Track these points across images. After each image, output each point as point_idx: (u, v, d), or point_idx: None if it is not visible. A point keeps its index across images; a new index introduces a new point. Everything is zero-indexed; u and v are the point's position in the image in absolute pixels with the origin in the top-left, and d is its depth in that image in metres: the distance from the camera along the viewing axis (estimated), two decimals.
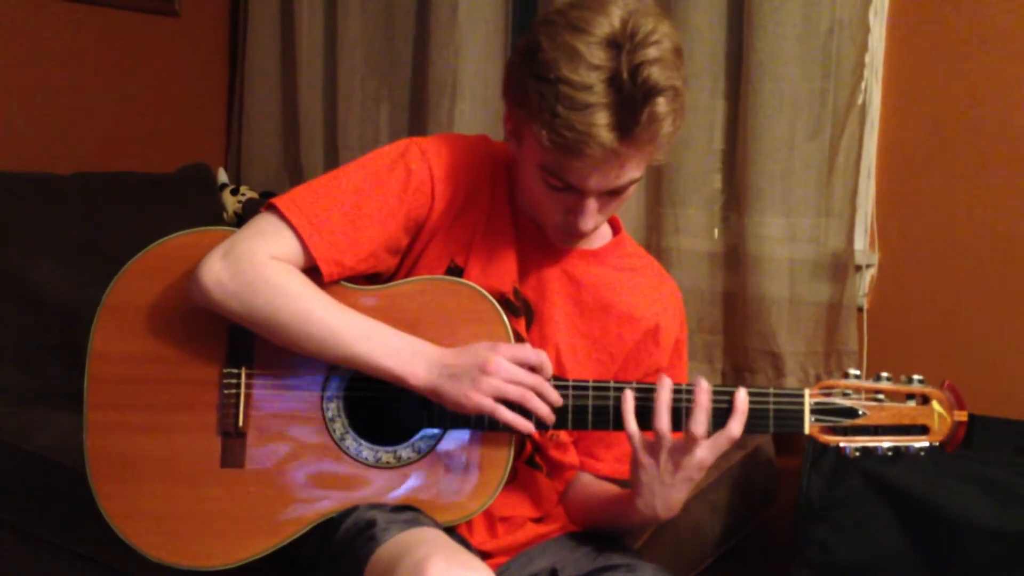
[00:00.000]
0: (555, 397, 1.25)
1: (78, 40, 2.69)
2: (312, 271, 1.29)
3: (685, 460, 1.23)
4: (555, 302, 1.39)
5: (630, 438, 1.25)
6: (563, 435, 1.42)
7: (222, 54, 3.10)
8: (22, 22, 2.56)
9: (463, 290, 1.32)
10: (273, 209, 1.30)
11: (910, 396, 1.25)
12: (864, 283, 2.16)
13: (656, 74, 1.15)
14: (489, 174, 1.38)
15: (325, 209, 1.29)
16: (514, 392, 1.22)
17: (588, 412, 1.27)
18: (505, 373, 1.22)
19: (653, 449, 1.24)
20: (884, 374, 1.26)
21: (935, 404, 1.24)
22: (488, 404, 1.22)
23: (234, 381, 1.32)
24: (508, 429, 1.27)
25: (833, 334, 2.10)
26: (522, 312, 1.38)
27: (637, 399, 1.25)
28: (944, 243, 2.08)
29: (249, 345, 1.33)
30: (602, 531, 1.46)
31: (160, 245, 1.36)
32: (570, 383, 1.28)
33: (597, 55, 1.15)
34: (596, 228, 1.30)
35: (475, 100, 2.56)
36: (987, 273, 2.04)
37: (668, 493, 1.26)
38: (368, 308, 1.30)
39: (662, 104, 1.16)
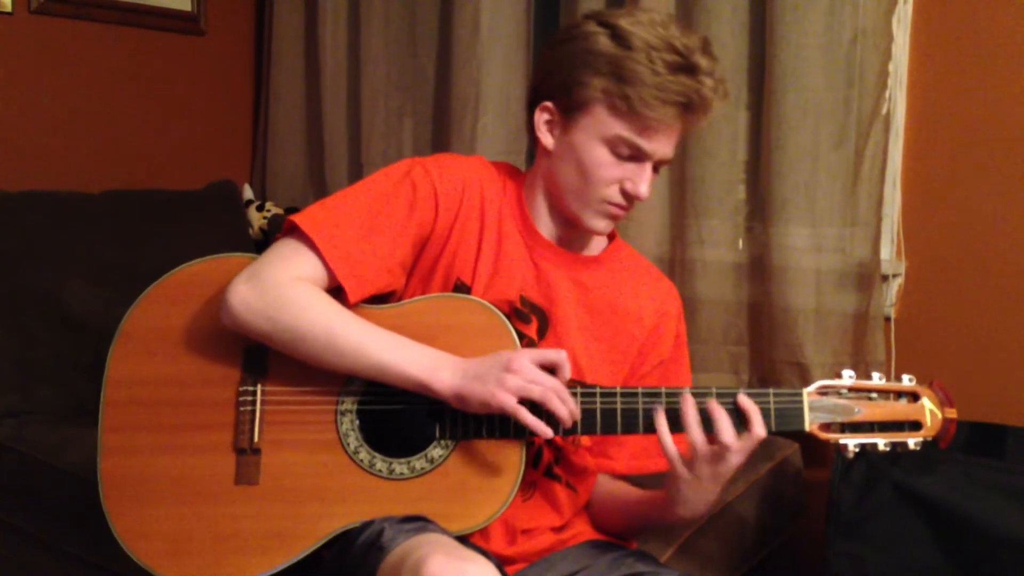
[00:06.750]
0: (571, 403, 1.27)
1: (106, 60, 2.73)
2: (334, 291, 1.33)
3: (722, 467, 1.27)
4: (566, 308, 1.42)
5: (668, 455, 1.28)
6: (583, 439, 1.44)
7: (247, 72, 3.13)
8: (50, 43, 2.60)
9: (471, 305, 1.35)
10: (294, 230, 1.34)
11: (901, 394, 1.29)
12: (891, 293, 2.15)
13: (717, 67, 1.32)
14: (493, 188, 1.43)
15: (342, 229, 1.33)
16: (536, 392, 1.24)
17: (617, 416, 1.29)
18: (528, 372, 1.25)
19: (691, 464, 1.28)
20: (876, 374, 1.31)
21: (925, 401, 1.29)
22: (511, 404, 1.24)
23: (249, 399, 1.34)
24: (520, 436, 1.29)
25: (860, 344, 2.08)
26: (532, 318, 1.40)
27: (667, 408, 1.28)
28: (972, 251, 2.06)
29: (264, 364, 1.35)
30: (629, 534, 1.49)
31: (177, 273, 1.39)
32: (597, 390, 1.30)
33: (680, 36, 1.30)
34: (645, 198, 1.37)
35: (497, 115, 2.56)
36: (1016, 281, 2.01)
37: (708, 497, 1.32)
38: (383, 326, 1.32)
39: (722, 86, 1.32)
